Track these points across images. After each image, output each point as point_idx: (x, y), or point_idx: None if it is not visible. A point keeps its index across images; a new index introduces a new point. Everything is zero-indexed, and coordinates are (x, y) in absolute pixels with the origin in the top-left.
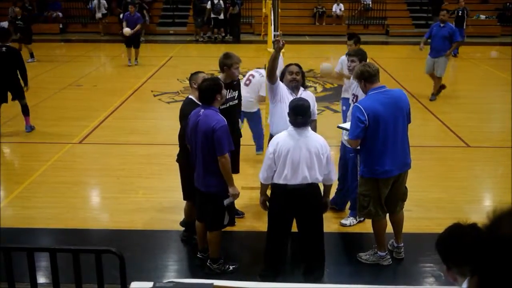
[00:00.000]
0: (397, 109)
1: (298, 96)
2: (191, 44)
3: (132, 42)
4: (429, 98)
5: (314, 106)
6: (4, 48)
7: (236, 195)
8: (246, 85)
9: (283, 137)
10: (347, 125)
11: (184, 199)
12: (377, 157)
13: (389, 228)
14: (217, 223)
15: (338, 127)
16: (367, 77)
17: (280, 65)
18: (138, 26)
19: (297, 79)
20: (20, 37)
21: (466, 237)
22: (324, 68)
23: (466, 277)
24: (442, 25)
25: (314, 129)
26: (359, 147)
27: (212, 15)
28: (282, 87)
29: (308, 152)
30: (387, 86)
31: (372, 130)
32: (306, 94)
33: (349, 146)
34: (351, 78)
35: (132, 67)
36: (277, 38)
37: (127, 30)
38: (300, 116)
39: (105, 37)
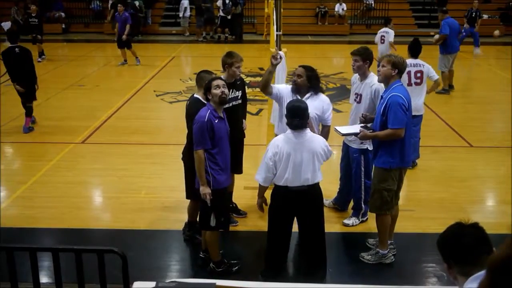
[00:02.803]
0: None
1: (313, 100)
2: (194, 44)
3: (123, 43)
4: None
5: (327, 111)
6: (17, 49)
7: (203, 195)
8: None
9: (282, 141)
10: (348, 129)
11: (187, 197)
12: (408, 146)
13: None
14: (203, 222)
15: (341, 133)
16: (401, 71)
17: (283, 66)
18: (128, 27)
19: (296, 82)
20: (34, 37)
21: (468, 237)
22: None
23: (466, 276)
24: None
25: (326, 136)
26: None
27: (221, 14)
28: (283, 92)
29: (309, 154)
30: None
31: (408, 121)
32: (320, 98)
33: (354, 147)
34: (352, 77)
35: (132, 66)
36: (274, 54)
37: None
38: (297, 118)
39: (108, 37)
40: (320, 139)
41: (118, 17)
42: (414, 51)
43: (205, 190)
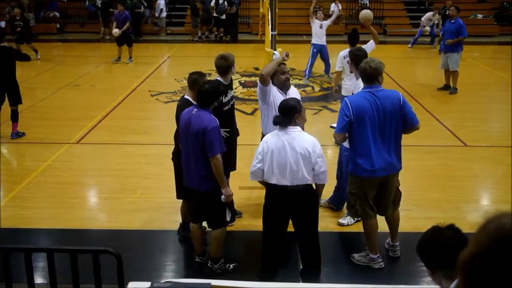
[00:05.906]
0: (387, 110)
1: (287, 94)
2: (189, 44)
3: (124, 40)
4: (449, 91)
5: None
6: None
7: (228, 196)
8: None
9: (271, 137)
10: None
11: (177, 197)
12: (362, 156)
13: (381, 228)
14: (220, 220)
15: (332, 126)
16: (363, 76)
17: None
18: (127, 25)
19: (289, 78)
20: (19, 37)
21: (448, 239)
22: (363, 13)
23: (452, 279)
24: (452, 21)
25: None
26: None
27: (214, 14)
28: (273, 88)
29: (294, 153)
30: (382, 87)
31: (357, 127)
32: (293, 91)
33: (344, 145)
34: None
35: (128, 65)
36: (286, 54)
37: (115, 31)
38: (280, 114)
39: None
40: (307, 137)
41: (118, 16)
42: (353, 41)
43: (230, 191)
